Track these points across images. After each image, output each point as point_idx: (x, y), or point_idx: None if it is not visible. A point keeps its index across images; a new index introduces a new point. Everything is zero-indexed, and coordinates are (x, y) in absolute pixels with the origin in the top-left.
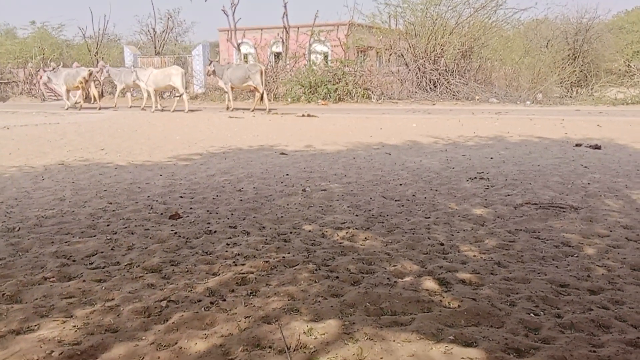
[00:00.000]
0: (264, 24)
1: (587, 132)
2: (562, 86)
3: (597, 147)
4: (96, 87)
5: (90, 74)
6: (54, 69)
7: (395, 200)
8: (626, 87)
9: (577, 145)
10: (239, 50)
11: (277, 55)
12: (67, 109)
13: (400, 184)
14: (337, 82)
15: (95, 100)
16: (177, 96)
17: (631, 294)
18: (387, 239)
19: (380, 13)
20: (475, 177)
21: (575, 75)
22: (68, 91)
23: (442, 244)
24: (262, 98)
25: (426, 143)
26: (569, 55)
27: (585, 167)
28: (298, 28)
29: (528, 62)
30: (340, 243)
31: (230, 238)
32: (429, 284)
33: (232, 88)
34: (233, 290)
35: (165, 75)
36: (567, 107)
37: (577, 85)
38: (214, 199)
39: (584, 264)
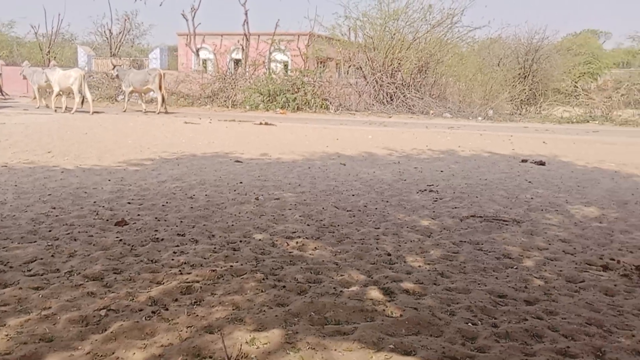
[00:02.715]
0: (224, 30)
1: (533, 149)
2: (512, 103)
3: (542, 163)
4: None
5: None
6: None
7: (347, 211)
8: (572, 106)
9: (523, 161)
10: (198, 55)
11: (237, 62)
12: None
13: (353, 195)
14: (296, 92)
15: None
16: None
17: (564, 304)
18: (336, 249)
19: (340, 25)
20: (425, 190)
21: (525, 93)
22: None
23: (389, 254)
24: (163, 100)
25: (381, 155)
26: (519, 74)
27: (530, 182)
28: (259, 36)
29: (481, 79)
30: (290, 252)
31: (177, 246)
32: (374, 293)
33: (133, 91)
34: (177, 300)
35: (67, 77)
36: (516, 123)
37: (527, 103)
38: (163, 205)
39: (522, 276)
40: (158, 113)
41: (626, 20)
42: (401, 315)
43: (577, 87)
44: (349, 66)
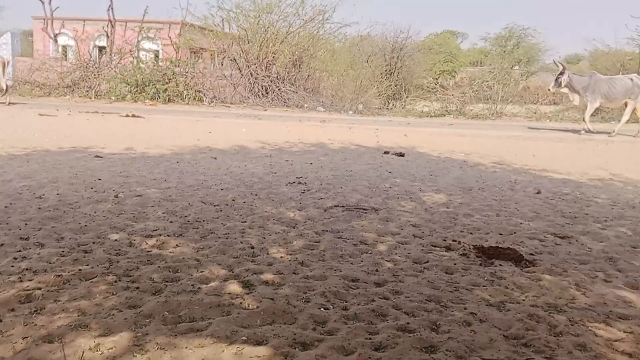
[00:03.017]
0: (86, 15)
1: (395, 141)
2: (380, 98)
3: (401, 155)
4: None
5: None
6: None
7: (214, 205)
8: (431, 101)
9: (385, 152)
10: (56, 41)
11: (101, 50)
12: None
13: (222, 189)
14: (167, 82)
15: None
16: None
17: (409, 284)
18: (199, 245)
19: (212, 16)
20: (294, 182)
21: (391, 89)
22: None
23: (252, 247)
24: (5, 90)
25: (253, 148)
26: (386, 70)
27: (390, 172)
28: (126, 22)
29: (352, 75)
30: (149, 252)
31: (19, 251)
32: (233, 287)
33: None
34: (13, 310)
35: None
36: (383, 117)
37: (393, 98)
38: (6, 207)
39: (375, 260)
40: (8, 104)
41: (480, 23)
42: (257, 307)
43: (437, 83)
44: (223, 58)
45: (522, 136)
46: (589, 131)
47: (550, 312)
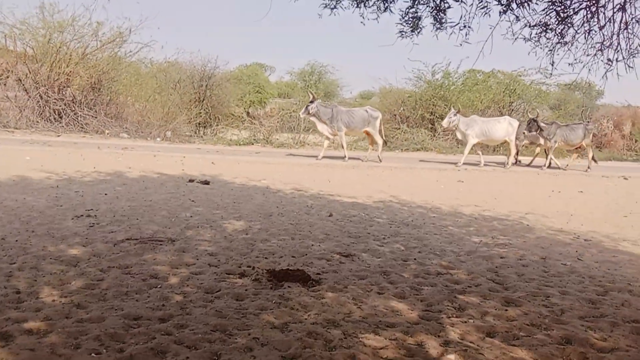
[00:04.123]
0: None
1: (202, 169)
2: (190, 126)
3: (206, 183)
4: None
5: None
6: None
7: None
8: (239, 130)
9: (190, 181)
10: None
11: None
12: None
13: None
14: None
15: None
16: None
17: (196, 316)
18: None
19: None
20: (82, 215)
21: (201, 116)
22: None
23: (19, 292)
24: None
25: (37, 178)
26: (195, 98)
27: (193, 201)
28: None
29: (159, 101)
30: None
31: None
32: None
33: None
34: None
35: None
36: (192, 145)
37: (204, 126)
38: None
39: (164, 294)
40: None
41: (285, 57)
42: None
43: (249, 113)
44: (7, 77)
45: (321, 163)
46: (347, 158)
47: (327, 328)
